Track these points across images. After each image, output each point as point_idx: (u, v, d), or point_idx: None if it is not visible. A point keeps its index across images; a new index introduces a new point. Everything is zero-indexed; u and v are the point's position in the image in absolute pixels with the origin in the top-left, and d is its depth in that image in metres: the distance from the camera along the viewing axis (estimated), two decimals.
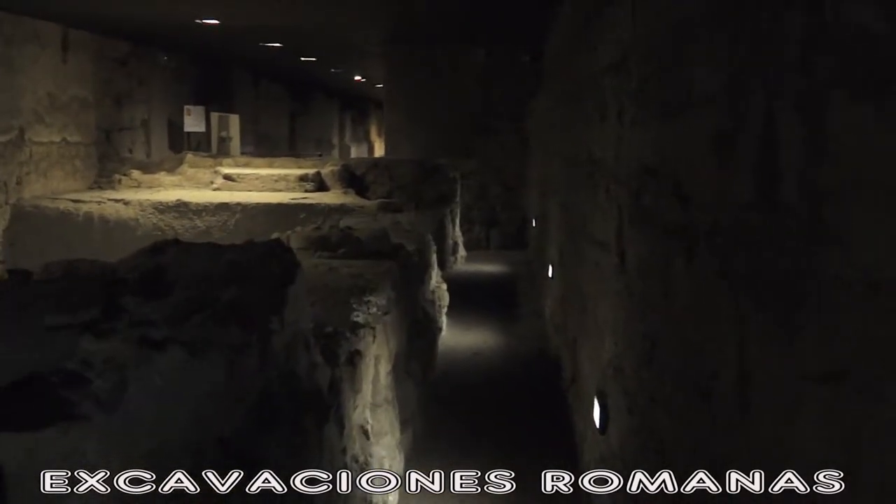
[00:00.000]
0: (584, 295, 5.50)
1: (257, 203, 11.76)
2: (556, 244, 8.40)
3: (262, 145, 23.51)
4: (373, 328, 4.61)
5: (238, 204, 11.72)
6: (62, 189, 12.84)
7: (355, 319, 4.45)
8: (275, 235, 6.61)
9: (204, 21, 12.84)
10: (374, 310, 4.84)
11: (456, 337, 9.11)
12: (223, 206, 11.69)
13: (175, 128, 17.37)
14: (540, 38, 14.33)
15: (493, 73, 16.85)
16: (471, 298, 10.99)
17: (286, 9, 12.39)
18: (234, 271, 3.38)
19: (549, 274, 8.99)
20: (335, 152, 34.77)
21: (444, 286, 9.28)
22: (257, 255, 3.49)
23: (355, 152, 38.94)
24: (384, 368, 4.89)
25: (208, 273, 3.41)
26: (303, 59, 19.33)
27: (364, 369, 4.23)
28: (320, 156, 20.21)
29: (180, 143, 17.35)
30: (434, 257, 8.94)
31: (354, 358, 4.03)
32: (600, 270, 4.69)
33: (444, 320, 9.13)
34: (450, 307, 9.59)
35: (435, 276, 8.96)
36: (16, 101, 11.81)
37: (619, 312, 3.77)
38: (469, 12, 12.88)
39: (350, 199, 12.56)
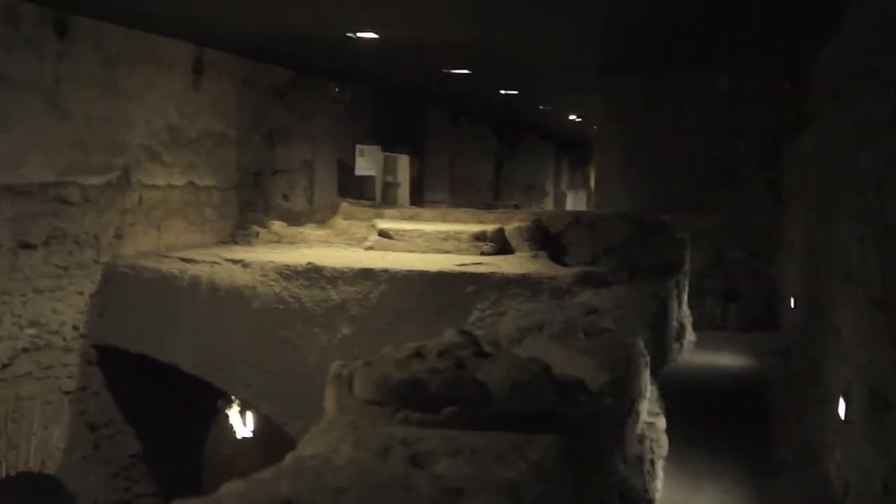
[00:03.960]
0: None
1: (410, 270, 8.79)
2: (865, 368, 4.88)
3: (458, 192, 20.79)
4: None
5: (385, 271, 8.79)
6: (181, 244, 10.36)
7: None
8: (334, 368, 3.53)
9: (359, 35, 10.08)
10: None
11: None
12: (365, 273, 8.79)
13: (346, 171, 14.81)
14: (806, 58, 10.76)
15: (737, 105, 13.27)
16: (701, 420, 7.54)
17: (457, 20, 9.50)
18: None
19: (841, 413, 5.45)
20: (548, 200, 31.79)
21: (662, 423, 5.88)
22: None
23: (572, 200, 35.83)
24: None
25: None
26: (502, 91, 16.40)
27: None
28: (516, 206, 17.22)
29: (352, 189, 14.76)
30: (646, 379, 5.59)
31: None
32: None
33: (659, 478, 5.74)
34: (671, 430, 6.23)
35: (645, 408, 5.60)
36: (119, 134, 9.41)
37: None
38: (712, 26, 9.53)
39: (538, 265, 9.39)
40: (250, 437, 12.20)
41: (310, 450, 3.00)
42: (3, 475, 8.03)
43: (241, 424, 12.17)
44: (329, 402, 3.47)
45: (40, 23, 8.24)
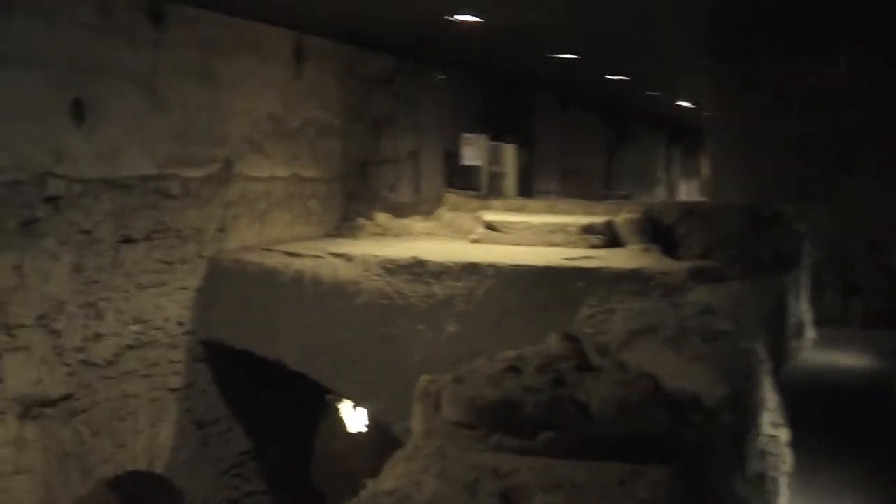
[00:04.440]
0: None
1: (517, 265, 8.38)
2: None
3: (569, 182, 20.25)
4: None
5: (490, 265, 8.40)
6: (287, 236, 10.17)
7: None
8: (421, 383, 3.19)
9: (460, 18, 9.69)
10: None
11: None
12: (471, 268, 8.42)
13: (453, 160, 14.47)
14: None
15: (860, 89, 12.39)
16: (825, 428, 6.93)
17: (563, 2, 9.04)
18: None
19: None
20: (659, 189, 30.91)
21: (785, 435, 5.35)
22: None
23: (684, 189, 34.80)
24: None
25: None
26: (611, 76, 15.80)
27: None
28: (626, 196, 16.60)
29: (460, 179, 14.41)
30: (767, 388, 5.08)
31: None
32: None
33: (783, 496, 5.23)
34: (794, 441, 5.69)
35: (767, 420, 5.09)
36: (219, 125, 9.23)
37: None
38: (827, 7, 8.86)
39: (650, 259, 8.88)
40: (363, 431, 11.97)
41: (390, 482, 2.65)
42: (112, 474, 7.95)
43: (354, 418, 11.96)
44: (416, 423, 3.12)
45: (134, 11, 8.06)
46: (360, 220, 10.82)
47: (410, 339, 8.40)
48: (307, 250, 9.19)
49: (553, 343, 3.94)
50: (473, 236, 10.08)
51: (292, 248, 9.37)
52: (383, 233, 10.62)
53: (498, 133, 15.69)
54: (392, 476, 2.70)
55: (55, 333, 7.34)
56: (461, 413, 2.95)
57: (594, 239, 9.57)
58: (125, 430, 8.03)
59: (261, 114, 9.86)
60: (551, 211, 10.72)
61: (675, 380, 3.67)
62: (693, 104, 21.56)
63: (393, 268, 8.60)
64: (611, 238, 9.61)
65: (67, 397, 7.44)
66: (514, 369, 3.22)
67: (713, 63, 12.88)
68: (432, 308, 8.43)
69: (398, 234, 10.52)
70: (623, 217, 9.78)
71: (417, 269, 8.53)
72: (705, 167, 33.44)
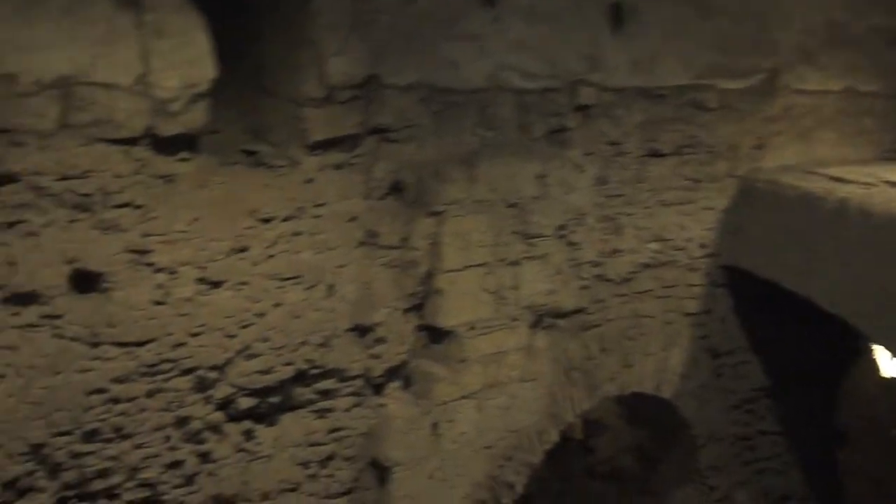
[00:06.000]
0: None
1: None
2: None
3: None
4: None
5: None
6: (832, 158, 8.21)
7: None
8: None
9: None
10: None
11: None
12: None
13: None
14: None
15: None
16: None
17: None
18: None
19: None
20: None
21: None
22: None
23: None
24: None
25: None
26: None
27: None
28: None
29: None
30: None
31: None
32: None
33: None
34: None
35: None
36: (768, 32, 7.53)
37: None
38: None
39: None
40: None
41: None
42: (617, 392, 7.05)
43: (890, 362, 9.90)
44: None
45: None
46: None
47: None
48: (856, 176, 7.26)
49: None
50: None
51: (838, 171, 7.47)
52: None
53: None
54: None
55: (573, 245, 6.51)
56: None
57: None
58: (634, 350, 7.03)
59: (818, 19, 7.91)
60: None
61: None
62: None
63: None
64: None
65: (579, 311, 6.61)
66: None
67: None
68: None
69: None
70: None
71: None
72: None
